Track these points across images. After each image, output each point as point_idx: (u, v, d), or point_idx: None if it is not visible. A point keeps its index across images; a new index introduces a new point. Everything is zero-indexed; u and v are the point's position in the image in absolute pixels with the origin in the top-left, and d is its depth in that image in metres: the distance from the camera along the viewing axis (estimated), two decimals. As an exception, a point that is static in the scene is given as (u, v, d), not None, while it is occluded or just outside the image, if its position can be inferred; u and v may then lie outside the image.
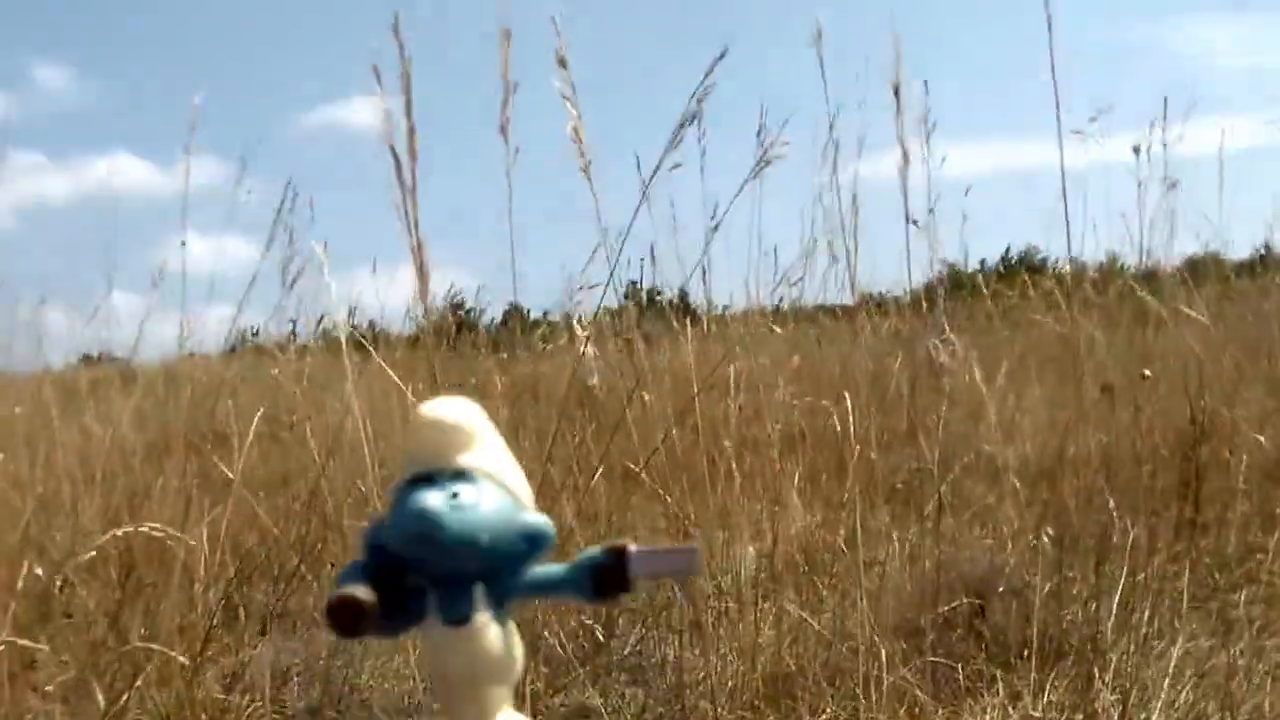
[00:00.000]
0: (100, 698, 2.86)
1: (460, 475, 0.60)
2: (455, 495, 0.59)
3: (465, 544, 0.58)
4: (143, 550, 3.21)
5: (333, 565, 3.59)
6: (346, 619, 0.59)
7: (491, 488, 0.60)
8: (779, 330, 4.87)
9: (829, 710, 2.86)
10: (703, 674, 3.18)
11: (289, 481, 4.38)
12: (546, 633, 3.32)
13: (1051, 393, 4.67)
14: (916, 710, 2.75)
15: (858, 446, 3.21)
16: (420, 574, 0.60)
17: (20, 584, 2.84)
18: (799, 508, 3.77)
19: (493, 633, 0.61)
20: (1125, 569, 2.83)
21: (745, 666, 3.00)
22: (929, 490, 3.76)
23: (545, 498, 3.76)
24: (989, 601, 3.27)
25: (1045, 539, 3.16)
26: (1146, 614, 2.87)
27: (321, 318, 3.20)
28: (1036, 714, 2.61)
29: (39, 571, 2.87)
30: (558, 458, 3.98)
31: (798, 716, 2.86)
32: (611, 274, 2.83)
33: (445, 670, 0.62)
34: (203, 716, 2.99)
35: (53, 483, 3.75)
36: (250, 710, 3.25)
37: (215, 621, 3.09)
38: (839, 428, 3.23)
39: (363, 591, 0.59)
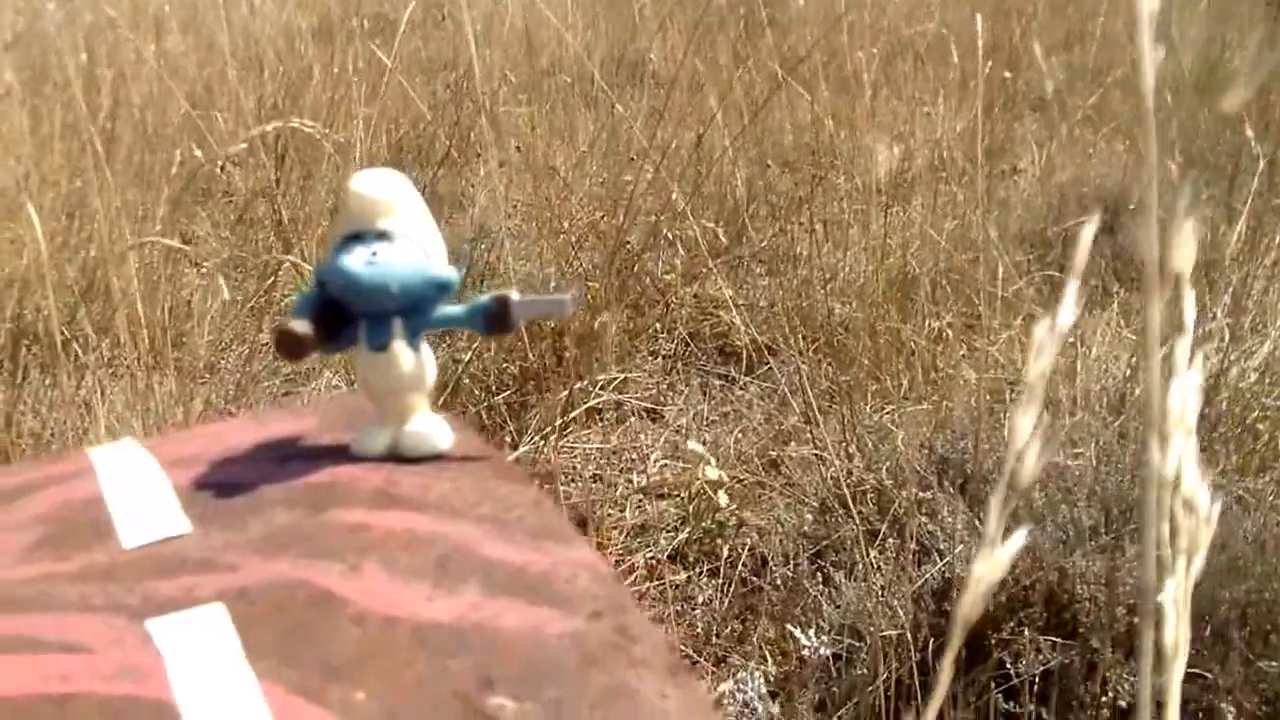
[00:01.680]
0: (236, 285, 2.99)
1: (382, 235, 0.72)
2: (374, 254, 0.72)
3: (378, 291, 0.72)
4: (297, 137, 3.28)
5: (479, 154, 3.63)
6: (289, 347, 0.72)
7: (406, 246, 0.73)
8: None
9: (949, 316, 2.89)
10: (831, 271, 3.22)
11: (443, 69, 4.39)
12: (682, 225, 3.35)
13: (1219, 4, 4.42)
14: (1032, 318, 2.76)
15: (1004, 58, 3.10)
16: (351, 309, 0.73)
17: (177, 168, 2.94)
18: (942, 113, 3.70)
19: (406, 356, 0.74)
20: (1254, 190, 2.73)
21: (873, 266, 3.02)
22: (1076, 102, 3.65)
23: (690, 91, 3.74)
24: (1119, 218, 3.22)
25: (1179, 159, 3.06)
26: (1277, 239, 2.80)
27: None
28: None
29: (198, 154, 2.95)
30: (709, 56, 3.93)
31: (920, 319, 2.89)
32: None
33: (370, 383, 0.76)
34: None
35: (218, 63, 3.81)
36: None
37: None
38: (990, 37, 3.11)
39: (300, 325, 0.72)
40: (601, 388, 2.90)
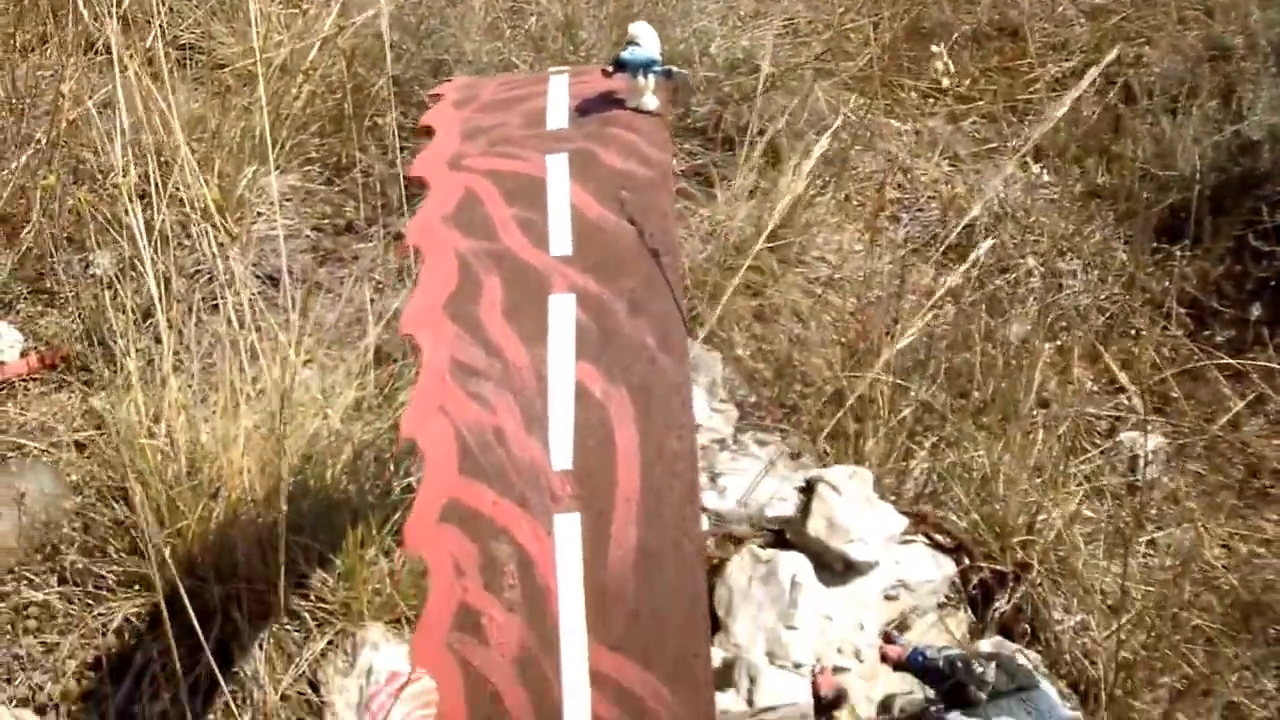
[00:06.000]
0: None
1: (636, 44, 1.81)
2: (633, 50, 1.81)
3: (634, 62, 1.81)
4: None
5: None
6: (606, 75, 1.86)
7: (644, 49, 1.81)
8: None
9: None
10: None
11: None
12: None
13: None
14: None
15: None
16: (627, 65, 1.84)
17: None
18: None
19: (644, 81, 1.82)
20: None
21: None
22: None
23: None
24: None
25: None
26: None
27: None
28: None
29: None
30: None
31: None
32: None
33: (634, 88, 1.84)
34: None
35: None
36: None
37: None
38: None
39: (608, 69, 1.84)
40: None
